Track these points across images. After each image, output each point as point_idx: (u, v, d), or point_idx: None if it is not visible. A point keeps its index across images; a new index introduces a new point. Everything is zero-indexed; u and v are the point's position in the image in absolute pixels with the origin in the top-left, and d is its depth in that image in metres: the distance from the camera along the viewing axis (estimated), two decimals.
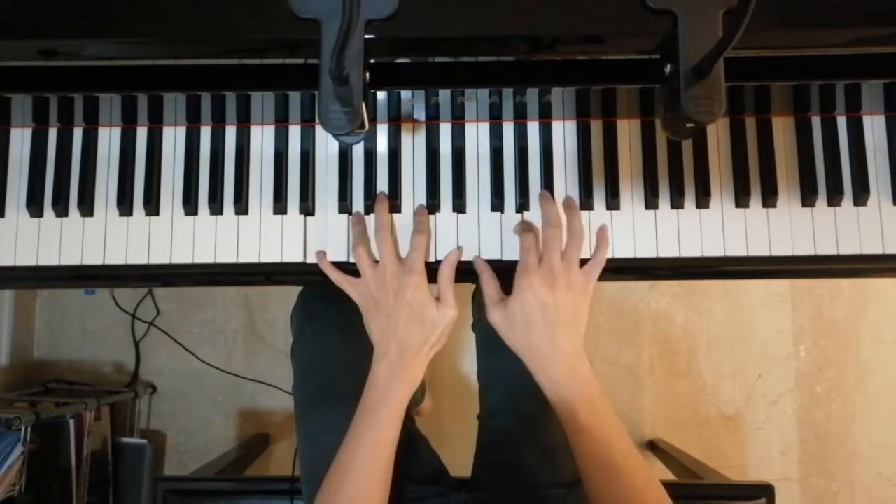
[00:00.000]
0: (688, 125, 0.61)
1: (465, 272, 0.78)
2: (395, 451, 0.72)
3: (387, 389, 0.71)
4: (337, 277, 0.74)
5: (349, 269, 0.76)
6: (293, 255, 0.77)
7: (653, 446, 1.59)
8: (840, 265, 0.76)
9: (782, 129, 0.78)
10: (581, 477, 0.70)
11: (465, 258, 0.76)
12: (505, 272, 0.77)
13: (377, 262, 0.73)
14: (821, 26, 0.64)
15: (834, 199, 0.76)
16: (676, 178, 0.77)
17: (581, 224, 0.74)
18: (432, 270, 0.74)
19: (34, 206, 0.77)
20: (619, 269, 0.77)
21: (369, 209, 0.77)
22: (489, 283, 0.74)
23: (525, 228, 0.74)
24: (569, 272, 0.71)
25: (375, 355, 0.73)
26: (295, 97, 0.78)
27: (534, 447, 0.88)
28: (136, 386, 1.65)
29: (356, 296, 0.74)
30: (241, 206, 0.78)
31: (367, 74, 0.61)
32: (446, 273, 0.73)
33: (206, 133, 0.79)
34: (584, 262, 0.73)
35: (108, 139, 0.79)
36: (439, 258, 0.76)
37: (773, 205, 0.76)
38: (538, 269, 0.70)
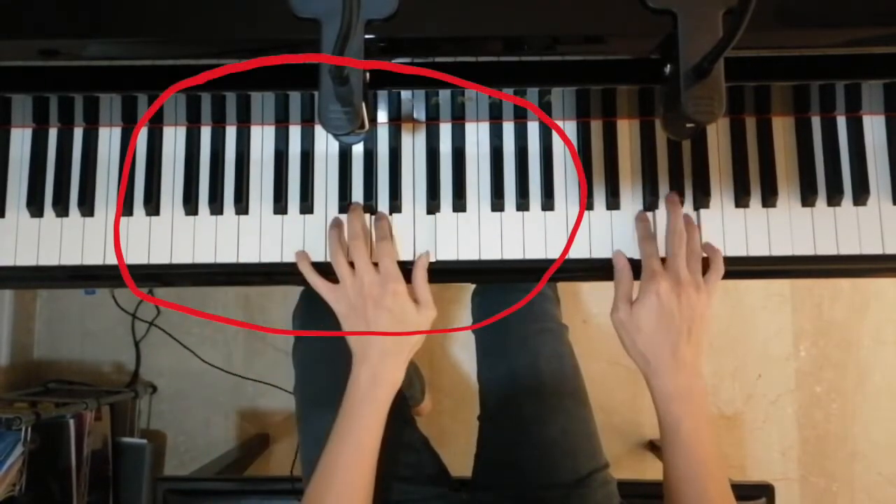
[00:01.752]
0: (688, 125, 0.61)
1: (464, 273, 0.78)
2: (379, 453, 0.73)
3: (368, 393, 0.72)
4: (315, 281, 0.74)
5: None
6: (293, 255, 0.77)
7: (653, 446, 1.59)
8: (840, 265, 0.76)
9: (782, 129, 0.78)
10: (665, 497, 0.69)
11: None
12: (507, 272, 0.78)
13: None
14: (821, 26, 0.64)
15: (834, 199, 0.76)
16: (676, 179, 0.77)
17: (699, 236, 0.74)
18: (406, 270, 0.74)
19: (34, 206, 0.77)
20: None
21: (369, 209, 0.77)
22: (625, 282, 0.72)
23: (644, 236, 0.73)
24: (695, 281, 0.70)
25: (355, 360, 0.73)
26: (295, 97, 0.78)
27: (534, 447, 0.88)
28: (136, 386, 1.65)
29: (333, 301, 0.74)
30: (242, 206, 0.78)
31: (367, 74, 0.61)
32: (420, 275, 0.74)
33: (206, 133, 0.79)
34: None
35: (109, 139, 0.79)
36: (440, 258, 0.76)
37: (773, 205, 0.76)
38: (665, 274, 0.69)
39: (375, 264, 0.73)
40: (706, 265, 0.73)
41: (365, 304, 0.71)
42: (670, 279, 0.69)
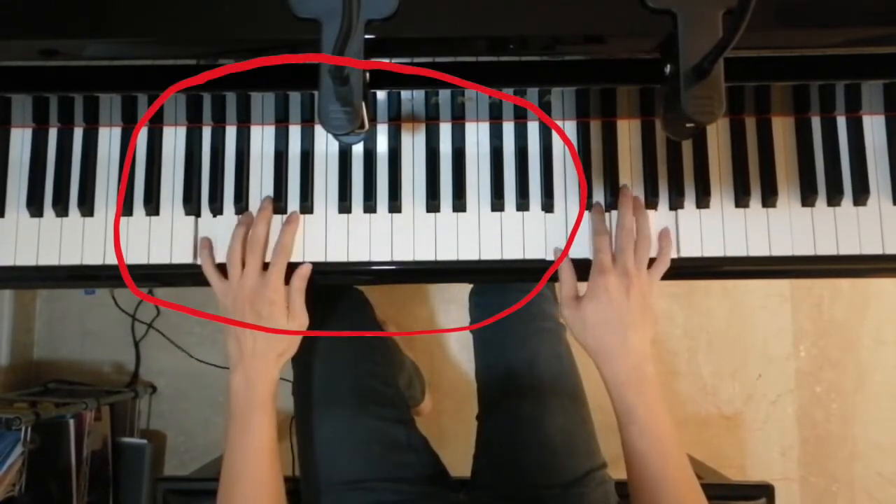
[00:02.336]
0: (688, 125, 0.61)
1: (464, 273, 0.78)
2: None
3: (248, 397, 0.73)
4: (208, 272, 0.76)
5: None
6: (293, 255, 0.77)
7: None
8: (840, 265, 0.76)
9: (782, 129, 0.78)
10: (629, 482, 0.71)
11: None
12: (507, 272, 0.78)
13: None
14: (821, 26, 0.64)
15: (834, 199, 0.76)
16: (676, 178, 0.77)
17: (649, 226, 0.75)
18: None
19: (34, 206, 0.77)
20: None
21: (369, 209, 0.77)
22: (567, 283, 0.75)
23: (597, 230, 0.75)
24: (640, 274, 0.72)
25: (231, 365, 0.75)
26: (295, 97, 0.78)
27: (533, 447, 0.88)
28: (136, 386, 1.65)
29: (219, 293, 0.76)
30: (242, 206, 0.78)
31: (367, 74, 0.61)
32: (297, 284, 0.75)
33: (206, 133, 0.79)
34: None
35: (109, 139, 0.79)
36: (440, 258, 0.76)
37: (773, 205, 0.76)
38: (613, 270, 0.72)
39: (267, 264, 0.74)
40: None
41: (243, 306, 0.73)
42: (618, 274, 0.72)
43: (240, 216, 0.77)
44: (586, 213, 0.77)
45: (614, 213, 0.76)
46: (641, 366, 0.71)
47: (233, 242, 0.75)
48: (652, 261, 0.75)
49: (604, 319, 0.71)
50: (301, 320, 0.75)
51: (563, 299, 0.74)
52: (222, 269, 0.76)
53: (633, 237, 0.74)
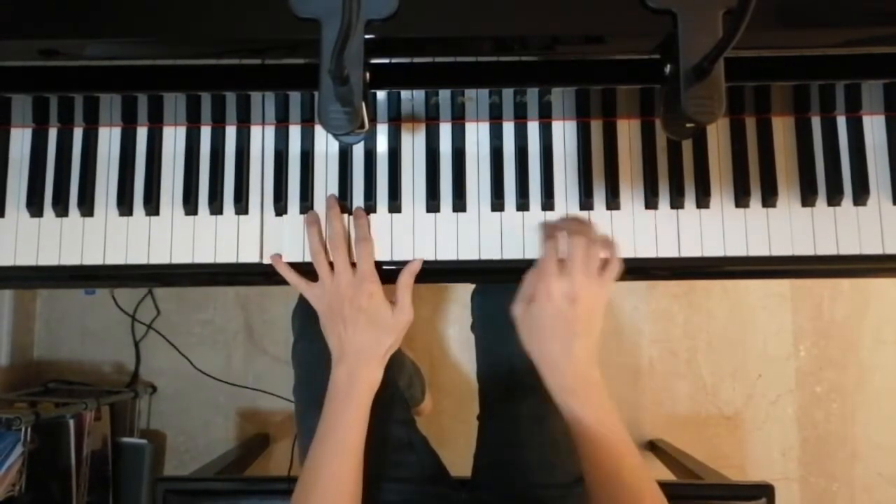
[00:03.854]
0: (688, 125, 0.61)
1: (464, 273, 0.78)
2: (365, 449, 0.73)
3: (348, 393, 0.73)
4: (293, 279, 0.76)
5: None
6: (293, 255, 0.77)
7: (653, 446, 1.59)
8: (840, 265, 0.76)
9: (782, 129, 0.78)
10: (585, 487, 0.70)
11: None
12: (507, 272, 0.78)
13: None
14: (821, 26, 0.64)
15: (834, 199, 0.76)
16: (676, 178, 0.77)
17: (597, 232, 0.75)
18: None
19: (34, 206, 0.77)
20: None
21: (369, 209, 0.77)
22: (529, 281, 0.73)
23: (548, 235, 0.74)
24: (588, 284, 0.71)
25: (333, 360, 0.74)
26: (295, 97, 0.78)
27: (533, 447, 0.88)
28: (136, 386, 1.65)
29: (312, 299, 0.75)
30: (241, 206, 0.78)
31: (367, 74, 0.61)
32: (405, 280, 0.75)
33: (206, 133, 0.79)
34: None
35: (108, 139, 0.79)
36: (440, 258, 0.76)
37: (773, 205, 0.76)
38: (560, 279, 0.70)
39: (354, 264, 0.74)
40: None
41: (342, 304, 0.73)
42: (564, 282, 0.70)
43: (305, 216, 0.77)
44: (586, 212, 0.76)
45: (615, 213, 0.76)
46: (587, 372, 0.70)
47: (313, 245, 0.75)
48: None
49: (548, 326, 0.70)
50: (408, 315, 0.74)
51: (519, 295, 0.73)
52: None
53: (581, 244, 0.72)
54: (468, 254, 0.76)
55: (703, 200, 0.76)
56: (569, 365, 0.70)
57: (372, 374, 0.74)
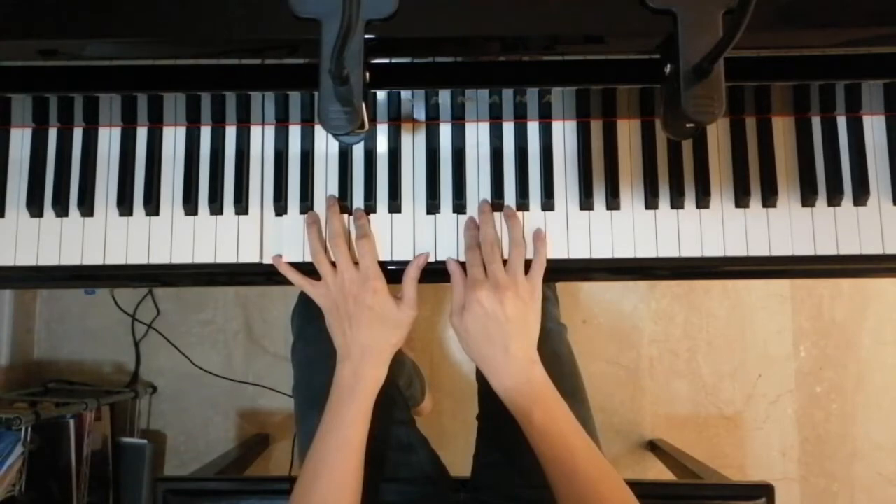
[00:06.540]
0: (688, 125, 0.61)
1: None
2: (366, 449, 0.73)
3: (352, 390, 0.73)
4: (297, 279, 0.75)
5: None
6: (293, 255, 0.77)
7: (653, 446, 1.59)
8: (840, 265, 0.76)
9: (782, 129, 0.78)
10: (548, 485, 0.71)
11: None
12: None
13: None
14: (821, 26, 0.64)
15: (834, 199, 0.76)
16: (676, 178, 0.77)
17: (521, 232, 0.75)
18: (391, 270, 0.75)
19: (34, 206, 0.77)
20: (618, 270, 0.77)
21: (369, 209, 0.77)
22: (457, 289, 0.74)
23: (470, 245, 0.75)
24: (515, 282, 0.72)
25: (339, 357, 0.75)
26: (295, 97, 0.78)
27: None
28: (136, 386, 1.65)
29: (317, 297, 0.75)
30: (242, 206, 0.78)
31: (367, 74, 0.61)
32: (412, 274, 0.75)
33: (206, 133, 0.79)
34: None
35: (108, 139, 0.79)
36: (440, 258, 0.76)
37: (773, 205, 0.76)
38: (484, 282, 0.71)
39: (356, 262, 0.74)
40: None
41: (346, 301, 0.73)
42: (490, 286, 0.71)
43: (305, 216, 0.77)
44: (586, 213, 0.76)
45: (615, 213, 0.76)
46: (527, 370, 0.71)
47: (313, 244, 0.75)
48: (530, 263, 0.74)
49: (483, 331, 0.71)
50: (414, 310, 0.74)
51: (452, 308, 0.74)
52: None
53: (497, 247, 0.73)
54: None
55: (703, 200, 0.76)
56: (508, 366, 0.71)
57: (377, 372, 0.74)
